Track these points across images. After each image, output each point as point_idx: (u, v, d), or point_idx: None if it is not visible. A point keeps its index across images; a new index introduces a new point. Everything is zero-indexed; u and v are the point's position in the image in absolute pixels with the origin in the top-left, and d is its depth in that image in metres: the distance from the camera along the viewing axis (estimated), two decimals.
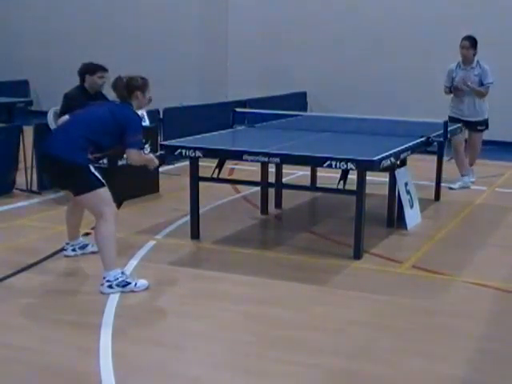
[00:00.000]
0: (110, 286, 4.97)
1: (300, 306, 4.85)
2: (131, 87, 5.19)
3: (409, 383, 3.82)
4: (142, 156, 5.25)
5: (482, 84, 8.55)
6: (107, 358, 3.96)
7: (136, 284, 5.03)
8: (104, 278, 4.99)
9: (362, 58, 13.33)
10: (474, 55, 8.56)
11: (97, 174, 5.05)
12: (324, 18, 13.66)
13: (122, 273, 5.06)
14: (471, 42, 8.51)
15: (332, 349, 4.17)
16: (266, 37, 14.19)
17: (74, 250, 5.77)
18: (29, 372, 3.85)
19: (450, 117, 8.55)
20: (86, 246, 5.81)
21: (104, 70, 7.84)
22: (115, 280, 4.98)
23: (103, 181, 5.06)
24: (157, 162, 5.47)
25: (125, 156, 5.33)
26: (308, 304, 4.88)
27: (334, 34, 13.56)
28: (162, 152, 5.82)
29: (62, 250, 5.85)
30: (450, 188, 8.57)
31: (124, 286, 4.98)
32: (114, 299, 4.85)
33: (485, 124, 8.74)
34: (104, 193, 5.03)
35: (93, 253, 5.66)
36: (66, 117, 5.73)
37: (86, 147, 5.06)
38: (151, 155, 5.52)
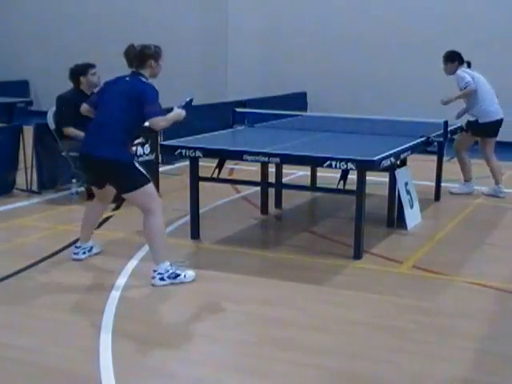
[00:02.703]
0: (162, 279, 5.09)
1: (300, 305, 4.85)
2: (144, 55, 5.24)
3: (408, 383, 3.82)
4: (167, 119, 5.19)
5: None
6: (107, 358, 3.96)
7: (185, 275, 5.16)
8: (155, 271, 5.10)
9: (362, 58, 13.34)
10: (455, 67, 8.29)
11: (141, 169, 5.15)
12: (324, 18, 13.67)
13: (171, 265, 5.15)
14: (444, 58, 8.33)
15: (332, 349, 4.17)
16: (266, 37, 14.20)
17: (84, 252, 5.68)
18: (29, 372, 3.85)
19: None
20: (92, 248, 5.76)
21: (93, 66, 7.90)
22: (166, 272, 5.10)
23: (148, 176, 5.16)
24: (183, 113, 5.45)
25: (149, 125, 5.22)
26: (308, 304, 4.88)
27: (334, 34, 13.57)
28: (188, 99, 5.65)
29: (63, 249, 5.86)
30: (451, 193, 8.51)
31: (175, 278, 5.11)
32: (114, 299, 4.85)
33: (468, 126, 8.37)
34: (151, 188, 5.14)
35: (96, 254, 5.71)
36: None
37: (127, 140, 5.18)
38: (175, 110, 5.44)
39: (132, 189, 5.07)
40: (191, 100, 5.67)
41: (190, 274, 5.20)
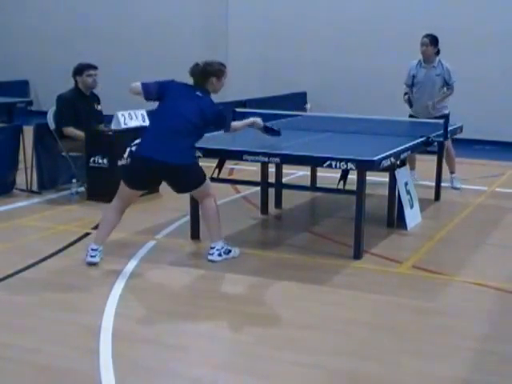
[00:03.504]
0: (220, 254, 5.60)
1: (300, 305, 4.85)
2: (206, 73, 5.42)
3: (409, 383, 3.82)
4: (236, 126, 5.92)
5: (446, 83, 8.35)
6: (107, 358, 3.96)
7: (234, 250, 5.72)
8: (213, 247, 5.61)
9: (362, 58, 13.33)
10: (436, 53, 8.36)
11: (199, 166, 5.54)
12: (324, 18, 13.67)
13: (224, 242, 5.69)
14: (431, 39, 8.29)
15: (332, 349, 4.17)
16: (266, 37, 14.20)
17: (100, 256, 5.52)
18: (29, 372, 3.85)
19: (409, 115, 8.52)
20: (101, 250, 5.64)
21: (91, 67, 7.88)
22: (222, 248, 5.62)
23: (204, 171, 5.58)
24: (260, 122, 6.01)
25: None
26: (308, 304, 4.88)
27: (335, 34, 13.57)
28: (277, 130, 6.21)
29: (63, 249, 5.85)
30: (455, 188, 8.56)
31: (228, 253, 5.66)
32: (114, 299, 4.85)
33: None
34: (209, 179, 5.66)
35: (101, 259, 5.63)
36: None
37: (194, 143, 5.49)
38: (250, 119, 6.03)
39: (198, 185, 5.49)
40: (277, 133, 6.20)
41: (237, 250, 5.74)
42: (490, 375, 3.90)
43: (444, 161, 8.33)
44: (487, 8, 12.46)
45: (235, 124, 5.91)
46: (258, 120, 6.00)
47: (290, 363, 3.97)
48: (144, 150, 5.38)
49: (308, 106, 13.27)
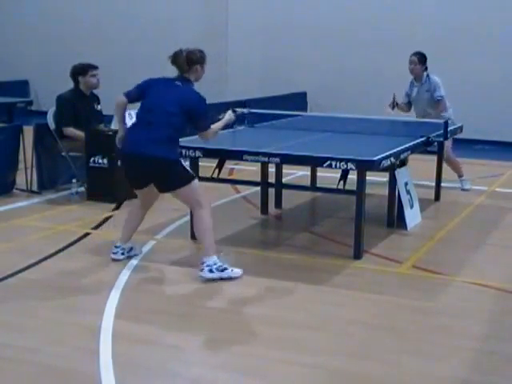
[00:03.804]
0: (211, 271, 5.17)
1: (300, 305, 4.85)
2: (191, 61, 5.34)
3: (409, 383, 3.82)
4: (216, 129, 5.52)
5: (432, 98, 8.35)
6: (107, 358, 3.96)
7: (232, 270, 5.24)
8: (203, 263, 5.20)
9: (362, 58, 13.34)
10: (424, 71, 8.39)
11: (187, 166, 5.36)
12: (324, 18, 13.67)
13: (219, 258, 5.25)
14: (419, 58, 8.34)
15: (332, 349, 4.17)
16: (266, 37, 14.20)
17: (123, 253, 5.63)
18: (29, 372, 3.85)
19: None
20: (132, 248, 5.72)
21: (94, 67, 7.88)
22: (214, 264, 5.19)
23: (192, 172, 5.39)
24: (232, 116, 5.79)
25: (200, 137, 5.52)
26: (308, 304, 4.88)
27: (334, 34, 13.57)
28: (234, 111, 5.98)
29: (63, 249, 5.85)
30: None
31: (223, 271, 5.19)
32: (114, 299, 4.85)
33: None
34: (197, 183, 5.33)
35: (136, 255, 5.71)
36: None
37: (176, 139, 5.30)
38: (225, 117, 5.78)
39: (181, 185, 5.22)
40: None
41: (237, 270, 5.28)
42: (490, 375, 3.90)
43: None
44: (487, 8, 12.46)
45: (216, 125, 5.58)
46: (232, 115, 5.82)
47: (290, 363, 3.97)
48: (125, 147, 5.34)
49: None
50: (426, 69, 8.44)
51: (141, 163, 5.22)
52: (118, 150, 5.56)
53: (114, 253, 5.62)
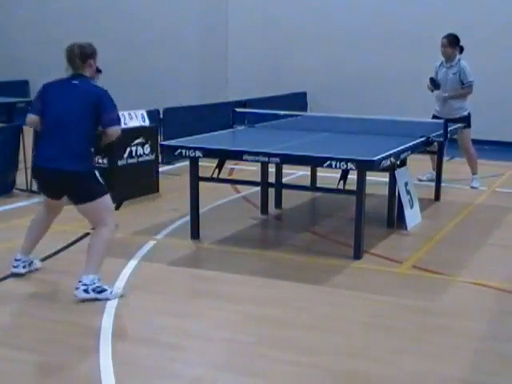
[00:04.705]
0: (86, 291, 4.80)
1: (300, 305, 4.85)
2: (84, 56, 5.01)
3: (408, 383, 3.82)
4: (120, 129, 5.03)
5: (462, 82, 8.55)
6: (107, 358, 3.96)
7: (111, 292, 4.87)
8: (80, 281, 4.82)
9: (362, 58, 13.33)
10: (454, 53, 8.59)
11: (100, 179, 4.95)
12: (324, 18, 13.67)
13: (99, 279, 4.88)
14: (449, 40, 8.58)
15: (332, 349, 4.17)
16: (266, 37, 14.19)
17: (24, 266, 5.29)
18: (29, 372, 3.85)
19: (432, 115, 8.69)
20: (32, 262, 5.37)
21: (97, 71, 7.81)
22: (91, 284, 4.81)
23: (105, 187, 4.97)
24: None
25: (106, 137, 5.02)
26: (308, 304, 4.88)
27: (334, 34, 13.56)
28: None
29: (62, 249, 5.84)
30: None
31: (100, 292, 4.82)
32: (114, 299, 4.84)
33: (466, 120, 8.53)
34: (108, 199, 4.95)
35: (36, 270, 5.40)
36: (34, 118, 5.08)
37: (88, 149, 4.95)
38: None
39: (90, 199, 4.85)
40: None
41: (116, 291, 4.93)
42: (490, 375, 3.90)
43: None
44: (488, 8, 12.46)
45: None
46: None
47: (290, 363, 3.97)
48: (37, 161, 5.02)
49: None
50: (460, 52, 8.63)
51: (54, 178, 4.88)
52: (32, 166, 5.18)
53: (14, 266, 5.24)
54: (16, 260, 5.27)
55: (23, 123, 8.31)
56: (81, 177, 4.84)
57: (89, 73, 5.03)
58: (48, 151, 4.89)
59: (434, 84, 8.63)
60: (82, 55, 4.99)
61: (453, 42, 8.57)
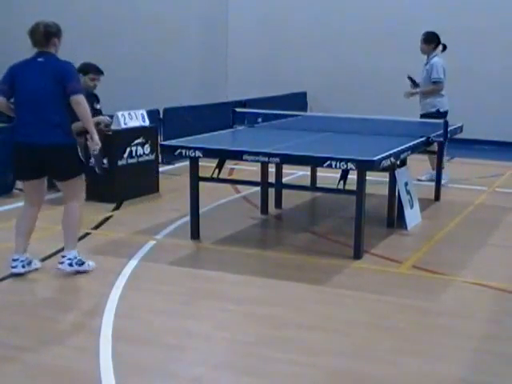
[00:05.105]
0: (71, 264, 5.25)
1: (300, 305, 4.85)
2: (49, 34, 5.10)
3: (408, 383, 3.82)
4: (86, 105, 5.07)
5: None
6: (107, 358, 3.96)
7: (88, 264, 5.36)
8: (64, 256, 5.27)
9: (362, 58, 13.34)
10: (430, 50, 8.64)
11: (81, 155, 5.20)
12: (324, 17, 13.68)
13: (78, 253, 5.34)
14: (425, 37, 8.67)
15: (332, 349, 4.17)
16: (266, 37, 14.20)
17: (23, 266, 5.28)
18: (29, 372, 3.85)
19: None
20: (31, 262, 5.38)
21: (97, 72, 7.81)
22: (75, 259, 5.27)
23: (85, 164, 5.30)
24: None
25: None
26: (308, 304, 4.88)
27: (334, 33, 13.57)
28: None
29: (62, 249, 5.85)
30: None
31: (81, 265, 5.30)
32: (113, 299, 4.84)
33: (429, 118, 8.36)
34: (83, 176, 5.30)
35: (36, 269, 5.40)
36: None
37: (66, 122, 5.10)
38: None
39: (72, 176, 5.17)
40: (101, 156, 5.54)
41: (91, 263, 5.39)
42: (490, 375, 3.90)
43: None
44: (487, 9, 12.46)
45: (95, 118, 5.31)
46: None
47: (290, 363, 3.97)
48: (19, 137, 5.14)
49: None
50: (443, 50, 8.67)
51: (37, 153, 5.03)
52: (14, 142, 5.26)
53: (13, 266, 5.25)
54: (14, 260, 5.28)
55: None
56: (63, 150, 5.06)
57: (53, 50, 5.15)
58: (27, 127, 5.09)
59: (412, 81, 8.74)
60: (46, 33, 5.10)
61: (428, 39, 8.63)
